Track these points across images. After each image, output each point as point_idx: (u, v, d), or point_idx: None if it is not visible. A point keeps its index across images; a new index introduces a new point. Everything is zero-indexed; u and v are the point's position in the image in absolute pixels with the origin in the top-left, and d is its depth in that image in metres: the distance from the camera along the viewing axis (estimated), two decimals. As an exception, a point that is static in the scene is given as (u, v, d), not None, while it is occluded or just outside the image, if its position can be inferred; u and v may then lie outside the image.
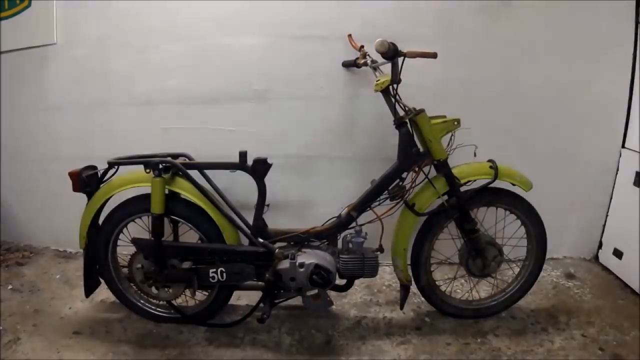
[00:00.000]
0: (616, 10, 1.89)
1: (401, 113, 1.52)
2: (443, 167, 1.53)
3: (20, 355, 1.52)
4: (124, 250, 1.69)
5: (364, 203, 1.58)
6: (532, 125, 2.02)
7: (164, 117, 2.04)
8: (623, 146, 2.04)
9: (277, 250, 1.55)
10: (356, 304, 1.86)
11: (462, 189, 1.56)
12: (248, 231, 1.60)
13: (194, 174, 1.57)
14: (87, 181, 1.56)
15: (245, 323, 1.66)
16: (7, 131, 2.22)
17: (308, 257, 1.54)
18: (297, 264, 1.52)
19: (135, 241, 1.59)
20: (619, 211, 2.08)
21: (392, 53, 1.37)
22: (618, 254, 2.04)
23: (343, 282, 1.68)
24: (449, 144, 1.54)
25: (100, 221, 1.66)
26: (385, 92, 1.51)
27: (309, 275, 1.52)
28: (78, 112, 2.10)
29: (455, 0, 1.87)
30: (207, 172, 1.68)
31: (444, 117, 1.54)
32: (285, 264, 1.53)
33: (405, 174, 1.56)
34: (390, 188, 1.56)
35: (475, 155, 1.59)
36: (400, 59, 1.41)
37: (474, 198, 1.58)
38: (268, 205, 1.62)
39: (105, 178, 1.63)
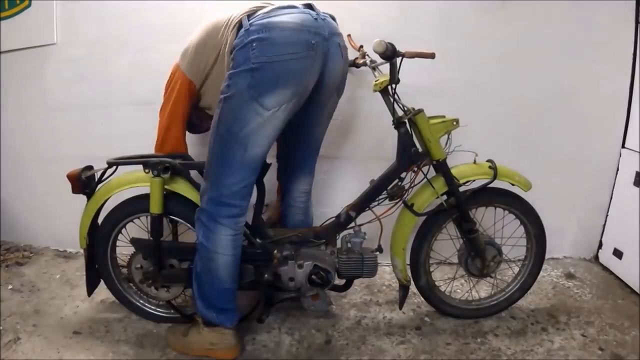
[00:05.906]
0: (616, 10, 1.89)
1: (400, 113, 1.52)
2: (442, 167, 1.53)
3: (20, 355, 1.52)
4: (124, 250, 1.68)
5: (363, 203, 1.58)
6: (531, 125, 2.01)
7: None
8: (623, 146, 2.04)
9: (275, 250, 1.55)
10: (356, 304, 1.86)
11: (461, 189, 1.56)
12: (247, 231, 1.60)
13: (194, 174, 1.57)
14: (86, 183, 1.56)
15: (245, 323, 1.66)
16: (7, 131, 2.23)
17: (307, 257, 1.54)
18: (296, 264, 1.52)
19: (134, 241, 1.59)
20: (619, 211, 2.07)
21: (390, 53, 1.36)
22: (618, 254, 2.03)
23: (342, 282, 1.68)
24: (446, 144, 1.53)
25: (100, 221, 1.66)
26: (384, 92, 1.51)
27: (308, 275, 1.52)
28: (78, 112, 2.10)
29: (455, 0, 1.86)
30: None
31: (443, 117, 1.53)
32: (284, 264, 1.53)
33: (404, 174, 1.56)
34: (389, 188, 1.56)
35: (475, 162, 1.59)
36: (398, 59, 1.40)
37: (473, 198, 1.58)
38: (267, 206, 1.61)
39: (104, 178, 1.63)
